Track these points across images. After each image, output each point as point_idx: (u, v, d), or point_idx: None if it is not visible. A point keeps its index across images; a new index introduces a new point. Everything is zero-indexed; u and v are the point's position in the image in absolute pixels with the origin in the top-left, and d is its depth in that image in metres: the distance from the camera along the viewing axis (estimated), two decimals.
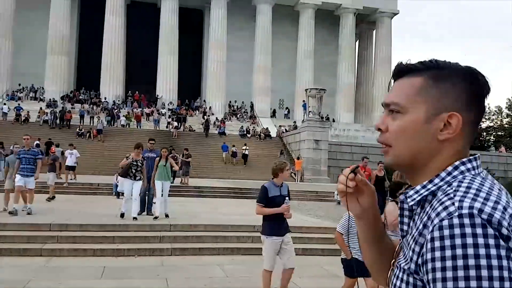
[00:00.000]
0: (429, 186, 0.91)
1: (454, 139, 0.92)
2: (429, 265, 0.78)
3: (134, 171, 9.77)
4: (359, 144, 32.94)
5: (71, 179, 19.73)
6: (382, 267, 1.08)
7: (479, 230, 0.75)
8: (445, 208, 0.81)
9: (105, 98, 39.68)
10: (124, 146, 30.18)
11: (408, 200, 0.94)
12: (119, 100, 39.82)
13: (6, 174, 11.03)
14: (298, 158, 29.33)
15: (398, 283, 0.91)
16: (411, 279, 0.87)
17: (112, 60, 40.92)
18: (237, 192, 18.98)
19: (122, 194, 16.59)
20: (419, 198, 0.91)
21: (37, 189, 11.82)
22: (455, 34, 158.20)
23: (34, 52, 41.69)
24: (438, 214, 0.81)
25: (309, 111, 31.76)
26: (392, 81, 1.02)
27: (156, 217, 9.95)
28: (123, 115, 35.95)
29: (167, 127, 35.51)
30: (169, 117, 37.72)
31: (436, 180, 0.91)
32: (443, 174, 0.91)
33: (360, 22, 49.87)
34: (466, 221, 0.76)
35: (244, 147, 31.90)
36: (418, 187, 0.93)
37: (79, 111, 34.94)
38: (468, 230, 0.75)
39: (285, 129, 38.62)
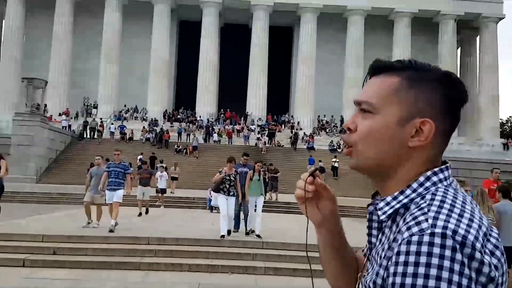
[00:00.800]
0: (401, 197, 0.85)
1: (425, 147, 0.86)
2: (390, 279, 0.74)
3: (227, 186, 9.52)
4: (464, 159, 30.16)
5: (171, 192, 20.90)
6: (346, 280, 1.01)
7: (447, 253, 0.71)
8: (418, 223, 0.76)
9: (200, 117, 41.45)
10: (216, 161, 31.14)
11: (379, 213, 0.86)
12: (212, 118, 41.34)
13: (87, 187, 10.67)
14: None
15: None
16: None
17: (206, 80, 42.76)
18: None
19: (215, 208, 17.01)
20: (390, 211, 0.85)
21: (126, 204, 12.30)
22: None
23: (137, 75, 45.10)
24: (409, 228, 0.77)
25: None
26: (368, 77, 0.94)
27: (248, 233, 9.81)
28: (216, 132, 37.19)
29: (256, 144, 35.84)
30: (258, 132, 38.19)
31: (408, 192, 0.85)
32: (414, 185, 0.85)
33: (462, 28, 46.40)
34: (437, 240, 0.72)
35: (334, 159, 31.53)
36: (388, 199, 0.86)
37: (177, 129, 36.85)
38: (436, 250, 0.71)
39: None
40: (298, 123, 41.95)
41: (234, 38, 48.51)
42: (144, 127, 37.19)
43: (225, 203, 9.37)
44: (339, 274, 1.03)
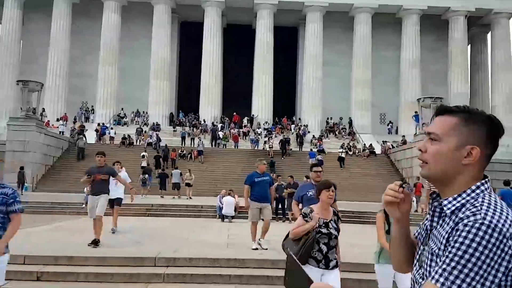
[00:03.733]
0: (459, 199, 1.30)
1: (473, 165, 1.31)
2: (449, 247, 1.20)
3: (324, 246, 4.06)
4: None
5: (188, 198, 20.29)
6: (411, 259, 1.47)
7: (486, 236, 1.17)
8: (474, 215, 1.21)
9: (204, 120, 39.86)
10: (224, 167, 29.49)
11: (445, 208, 1.31)
12: (216, 122, 39.72)
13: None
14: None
15: (428, 262, 1.31)
16: (435, 259, 1.28)
17: (210, 83, 41.19)
18: (352, 217, 16.65)
19: (226, 217, 15.38)
20: (454, 208, 1.29)
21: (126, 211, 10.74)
22: None
23: (137, 78, 43.54)
24: (468, 217, 1.22)
25: (423, 123, 28.34)
26: (435, 116, 1.40)
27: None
28: (220, 137, 35.54)
29: (263, 148, 34.14)
30: (265, 136, 36.58)
31: (464, 195, 1.30)
32: (468, 191, 1.30)
33: (472, 25, 44.86)
34: (483, 227, 1.18)
35: (340, 150, 32.12)
36: (450, 199, 1.31)
37: (180, 133, 35.26)
38: (481, 233, 1.17)
39: (391, 145, 35.28)
40: (307, 126, 40.27)
41: (238, 38, 46.94)
42: (145, 131, 35.62)
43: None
44: (406, 258, 1.50)
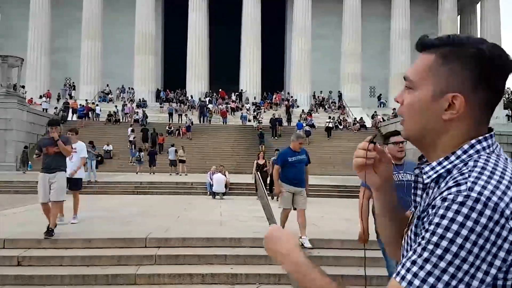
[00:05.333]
0: (445, 163, 0.92)
1: (460, 119, 0.92)
2: (425, 228, 0.84)
3: None
4: None
5: (180, 174, 20.17)
6: (400, 238, 1.05)
7: (473, 215, 0.79)
8: (457, 185, 0.84)
9: (191, 96, 39.09)
10: (213, 142, 29.04)
11: (424, 176, 0.94)
12: (204, 97, 38.97)
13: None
14: None
15: (406, 247, 0.96)
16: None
17: (196, 57, 40.25)
18: (343, 191, 16.45)
19: (217, 193, 15.01)
20: (434, 175, 0.92)
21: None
22: None
23: (122, 53, 42.31)
24: (448, 188, 0.85)
25: None
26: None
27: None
28: (208, 112, 34.93)
29: (249, 120, 33.76)
30: (254, 111, 36.10)
31: (452, 158, 0.92)
32: (459, 152, 0.92)
33: None
34: (469, 202, 0.80)
35: (328, 120, 32.22)
36: (434, 164, 0.94)
37: (167, 109, 34.57)
38: (465, 210, 0.80)
39: (382, 118, 35.09)
40: (296, 100, 39.80)
41: (224, 11, 45.72)
42: (132, 107, 34.85)
43: None
44: (397, 236, 1.08)
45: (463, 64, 0.90)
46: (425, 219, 0.86)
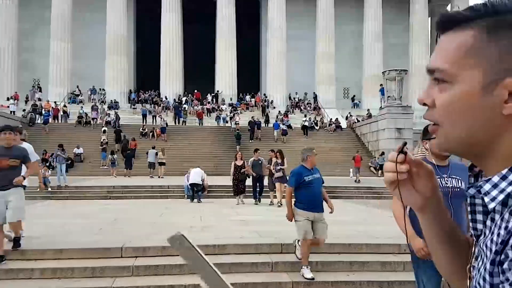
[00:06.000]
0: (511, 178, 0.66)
1: None
2: (507, 276, 0.61)
3: None
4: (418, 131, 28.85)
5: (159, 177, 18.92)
6: (461, 269, 0.80)
7: None
8: None
9: (166, 97, 38.39)
10: (189, 144, 28.51)
11: (486, 199, 0.67)
12: (179, 98, 38.33)
13: None
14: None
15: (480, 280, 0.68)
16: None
17: (170, 57, 39.57)
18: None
19: (195, 196, 14.51)
20: (502, 197, 0.65)
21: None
22: None
23: (93, 53, 41.19)
24: None
25: (388, 96, 28.31)
26: (438, 37, 0.74)
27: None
28: (182, 113, 34.33)
29: (226, 121, 33.42)
30: (230, 112, 35.78)
31: None
32: None
33: None
34: None
35: (304, 118, 32.40)
36: (495, 179, 0.67)
37: (141, 111, 33.79)
38: None
39: (356, 119, 35.35)
40: (272, 102, 39.72)
41: (199, 11, 45.18)
42: (104, 109, 33.89)
43: None
44: (456, 263, 0.84)
45: None
46: (506, 265, 0.60)
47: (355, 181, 21.98)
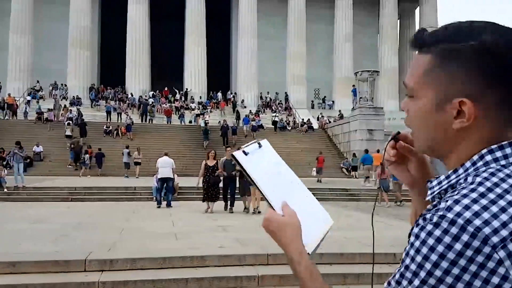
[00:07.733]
0: (452, 177, 0.78)
1: (474, 125, 0.75)
2: (407, 248, 0.74)
3: None
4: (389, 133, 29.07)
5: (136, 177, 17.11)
6: None
7: (446, 239, 0.67)
8: (444, 203, 0.72)
9: (132, 94, 37.02)
10: (157, 143, 27.40)
11: (428, 192, 0.81)
12: (146, 96, 37.05)
13: None
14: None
15: None
16: None
17: (137, 53, 38.25)
18: None
19: (164, 199, 13.59)
20: (438, 191, 0.78)
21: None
22: None
23: (55, 48, 39.27)
24: (436, 211, 0.72)
25: (360, 98, 28.23)
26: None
27: None
28: (149, 111, 33.16)
29: (195, 121, 32.64)
30: (198, 109, 34.99)
31: (460, 171, 0.77)
32: (467, 164, 0.77)
33: (402, 0, 45.82)
34: (444, 224, 0.68)
35: (274, 114, 32.69)
36: (442, 177, 0.80)
37: (105, 108, 32.35)
38: (437, 232, 0.68)
39: (328, 120, 35.23)
40: (243, 101, 39.09)
41: (167, 5, 43.92)
42: (65, 105, 32.26)
43: None
44: None
45: (465, 64, 0.73)
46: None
47: (317, 181, 22.01)
